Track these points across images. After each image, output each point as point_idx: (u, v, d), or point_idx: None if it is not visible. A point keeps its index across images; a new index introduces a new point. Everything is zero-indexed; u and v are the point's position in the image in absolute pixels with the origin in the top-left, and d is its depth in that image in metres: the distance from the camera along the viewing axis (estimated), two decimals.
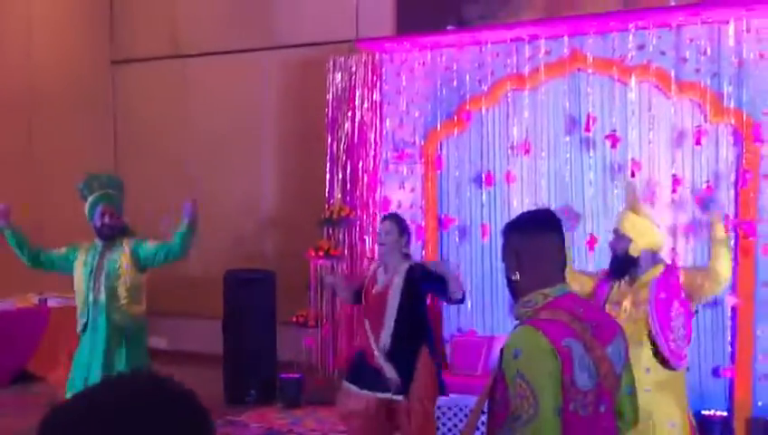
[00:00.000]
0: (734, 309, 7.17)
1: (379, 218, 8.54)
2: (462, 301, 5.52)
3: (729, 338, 7.21)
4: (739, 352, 7.15)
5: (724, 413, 7.05)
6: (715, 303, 7.20)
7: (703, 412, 7.05)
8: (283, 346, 8.78)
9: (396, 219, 5.66)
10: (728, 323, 7.20)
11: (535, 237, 2.78)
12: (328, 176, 8.91)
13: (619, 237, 4.76)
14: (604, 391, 2.65)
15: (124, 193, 6.03)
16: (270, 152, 10.25)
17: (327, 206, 8.82)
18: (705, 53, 7.26)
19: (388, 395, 5.33)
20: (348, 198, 8.77)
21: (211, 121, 10.51)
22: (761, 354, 7.07)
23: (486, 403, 2.84)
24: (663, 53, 7.40)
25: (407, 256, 5.58)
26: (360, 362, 5.53)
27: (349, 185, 8.79)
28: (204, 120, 10.59)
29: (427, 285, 5.44)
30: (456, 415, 7.05)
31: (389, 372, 5.30)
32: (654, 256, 4.75)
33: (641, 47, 7.45)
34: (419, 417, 5.32)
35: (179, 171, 10.63)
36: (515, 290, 2.81)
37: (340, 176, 8.84)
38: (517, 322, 2.76)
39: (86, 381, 5.65)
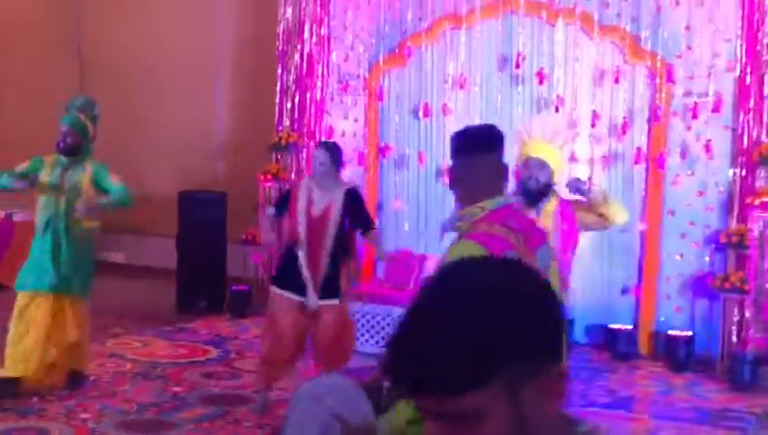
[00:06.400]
0: (642, 234, 7.25)
1: None
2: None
3: (638, 260, 7.31)
4: (646, 273, 7.26)
5: (630, 327, 7.17)
6: (625, 228, 7.28)
7: (610, 326, 7.18)
8: (233, 262, 8.70)
9: (327, 148, 5.53)
10: (637, 246, 7.29)
11: (471, 154, 2.68)
12: (278, 104, 8.75)
13: (542, 166, 4.47)
14: None
15: (97, 117, 5.98)
16: (224, 82, 10.06)
17: (276, 132, 8.68)
18: None
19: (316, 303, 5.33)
20: (296, 126, 8.63)
21: (171, 53, 10.24)
22: (665, 275, 7.18)
23: None
24: None
25: (340, 178, 5.57)
26: (291, 268, 5.41)
27: (297, 114, 8.65)
28: (164, 51, 10.31)
29: (354, 215, 5.44)
30: (384, 320, 7.03)
31: (312, 299, 5.28)
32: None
33: None
34: (339, 322, 5.38)
35: (140, 100, 10.39)
36: (459, 204, 2.73)
37: (289, 105, 8.69)
38: (456, 235, 2.65)
39: (39, 278, 5.68)
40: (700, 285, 6.98)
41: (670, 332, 6.96)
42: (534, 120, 4.81)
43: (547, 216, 4.44)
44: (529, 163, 4.53)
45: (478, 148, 2.69)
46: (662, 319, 7.15)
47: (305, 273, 5.28)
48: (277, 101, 8.73)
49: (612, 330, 7.17)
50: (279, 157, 8.61)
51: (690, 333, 6.89)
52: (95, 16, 11.01)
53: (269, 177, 8.45)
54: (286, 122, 8.68)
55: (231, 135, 9.97)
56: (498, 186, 2.70)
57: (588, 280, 7.39)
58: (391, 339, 1.10)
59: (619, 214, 4.70)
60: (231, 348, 7.16)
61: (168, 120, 10.25)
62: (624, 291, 7.31)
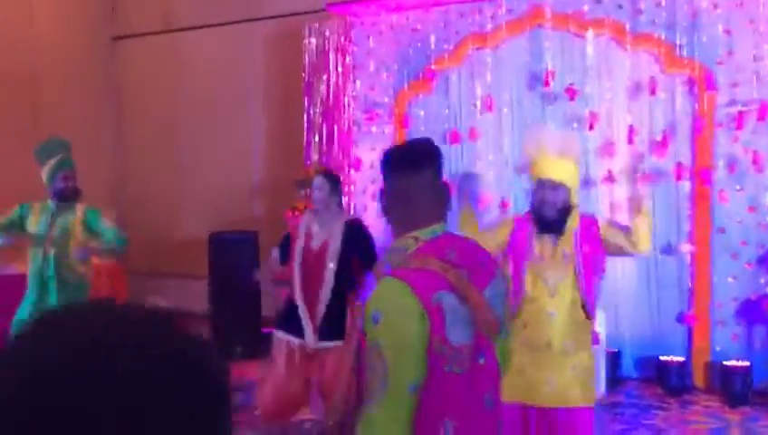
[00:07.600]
0: (691, 256, 6.84)
1: (353, 178, 8.36)
2: None
3: (689, 284, 6.89)
4: (697, 299, 6.83)
5: (682, 359, 6.75)
6: (672, 251, 6.89)
7: (660, 358, 6.78)
8: (268, 303, 8.60)
9: (326, 176, 5.37)
10: (687, 269, 6.87)
11: (398, 173, 2.34)
12: (305, 138, 8.66)
13: (556, 188, 3.96)
14: (482, 341, 2.22)
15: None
16: (256, 118, 10.02)
17: (305, 167, 8.59)
18: (659, 4, 6.88)
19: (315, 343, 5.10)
20: (324, 159, 8.52)
21: (202, 92, 10.29)
22: (718, 300, 6.74)
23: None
24: (620, 6, 7.03)
25: (341, 208, 5.38)
26: (292, 308, 5.23)
27: (325, 146, 8.54)
28: (195, 90, 10.37)
29: (359, 249, 5.16)
30: None
31: (310, 339, 5.09)
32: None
33: (598, 1, 7.08)
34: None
35: (174, 140, 10.49)
36: (393, 235, 2.40)
37: (317, 138, 8.59)
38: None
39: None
40: (756, 310, 6.53)
41: (726, 362, 6.51)
42: (540, 135, 4.35)
43: (566, 238, 4.02)
44: (541, 185, 4.04)
45: (407, 165, 2.34)
46: (717, 348, 6.70)
47: (301, 312, 5.12)
48: (305, 134, 8.65)
49: (664, 362, 6.76)
50: (308, 192, 8.49)
51: (747, 364, 6.43)
52: (131, 63, 11.18)
53: (297, 213, 8.34)
54: (314, 156, 8.58)
55: (265, 173, 9.92)
56: (436, 210, 2.33)
57: (636, 309, 7.03)
58: None
59: (646, 239, 4.28)
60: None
61: (202, 160, 10.29)
62: (679, 319, 6.87)
